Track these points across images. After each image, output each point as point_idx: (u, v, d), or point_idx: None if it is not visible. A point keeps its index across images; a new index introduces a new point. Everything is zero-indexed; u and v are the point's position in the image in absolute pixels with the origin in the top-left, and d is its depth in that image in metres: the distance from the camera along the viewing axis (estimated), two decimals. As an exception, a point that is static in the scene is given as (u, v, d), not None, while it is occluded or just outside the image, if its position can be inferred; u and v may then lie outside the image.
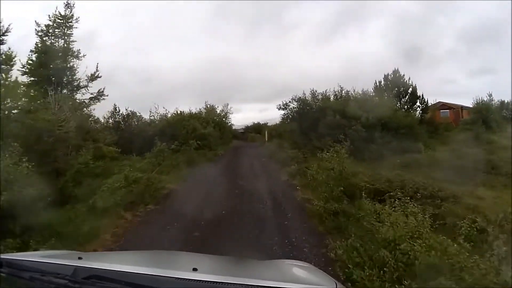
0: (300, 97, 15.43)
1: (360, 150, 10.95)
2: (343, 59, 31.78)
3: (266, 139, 20.11)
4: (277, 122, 22.45)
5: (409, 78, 18.18)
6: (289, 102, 15.58)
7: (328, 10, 33.19)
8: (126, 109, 15.52)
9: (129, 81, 26.68)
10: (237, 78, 33.71)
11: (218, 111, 22.70)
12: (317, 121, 13.68)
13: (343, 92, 15.99)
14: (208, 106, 21.85)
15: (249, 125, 33.46)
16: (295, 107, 15.55)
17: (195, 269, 1.14)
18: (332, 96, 15.80)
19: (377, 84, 17.84)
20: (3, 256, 1.32)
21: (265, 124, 30.56)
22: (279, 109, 15.82)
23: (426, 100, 18.09)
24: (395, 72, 18.15)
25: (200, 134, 15.70)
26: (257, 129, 31.25)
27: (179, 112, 17.62)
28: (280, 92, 39.37)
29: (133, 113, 15.64)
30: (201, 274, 1.11)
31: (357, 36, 32.64)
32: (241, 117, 42.26)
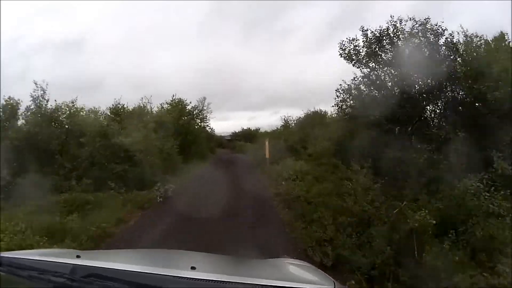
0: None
1: None
2: (337, 68, 31.01)
3: (268, 155, 11.89)
4: (278, 127, 17.33)
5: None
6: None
7: (322, 17, 32.76)
8: None
9: (119, 87, 26.08)
10: (227, 85, 32.97)
11: (188, 108, 15.85)
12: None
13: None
14: (176, 100, 15.23)
15: (237, 132, 28.94)
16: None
17: (193, 268, 1.14)
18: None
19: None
20: (2, 254, 1.32)
21: (257, 130, 26.35)
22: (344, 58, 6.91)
23: None
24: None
25: (116, 148, 7.63)
26: (247, 136, 26.37)
27: (119, 106, 11.04)
28: (270, 100, 38.68)
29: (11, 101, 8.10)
30: (200, 273, 1.12)
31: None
32: (230, 124, 40.51)
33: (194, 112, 16.50)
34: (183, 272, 1.11)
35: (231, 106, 40.03)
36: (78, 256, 1.35)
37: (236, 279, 1.09)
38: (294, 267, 1.62)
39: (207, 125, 18.42)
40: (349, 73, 7.06)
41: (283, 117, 17.41)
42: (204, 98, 17.32)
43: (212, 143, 22.02)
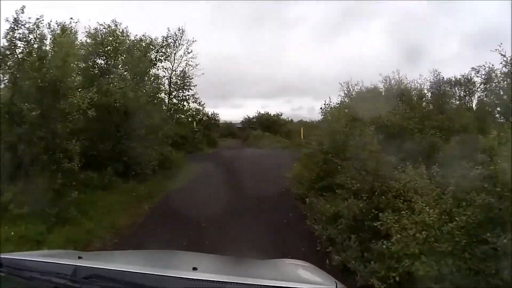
0: None
1: None
2: (345, 58, 30.87)
3: None
4: (337, 103, 7.02)
5: None
6: None
7: (331, 8, 32.83)
8: None
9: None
10: (238, 73, 32.31)
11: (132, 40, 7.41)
12: None
13: None
14: (113, 25, 7.80)
15: (251, 118, 21.84)
16: None
17: (195, 269, 1.14)
18: None
19: None
20: (3, 255, 1.32)
21: (278, 116, 20.08)
22: None
23: None
24: None
25: None
26: (265, 123, 19.90)
27: None
28: (281, 89, 38.33)
29: None
30: (201, 274, 1.12)
31: (360, 35, 32.26)
32: (242, 112, 38.83)
33: (149, 53, 7.26)
34: (185, 273, 1.12)
35: (242, 93, 38.22)
36: (79, 257, 1.35)
37: (238, 279, 1.09)
38: (295, 267, 1.61)
39: (192, 95, 9.20)
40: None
41: (345, 84, 8.33)
42: (182, 31, 8.70)
43: (214, 133, 16.61)
